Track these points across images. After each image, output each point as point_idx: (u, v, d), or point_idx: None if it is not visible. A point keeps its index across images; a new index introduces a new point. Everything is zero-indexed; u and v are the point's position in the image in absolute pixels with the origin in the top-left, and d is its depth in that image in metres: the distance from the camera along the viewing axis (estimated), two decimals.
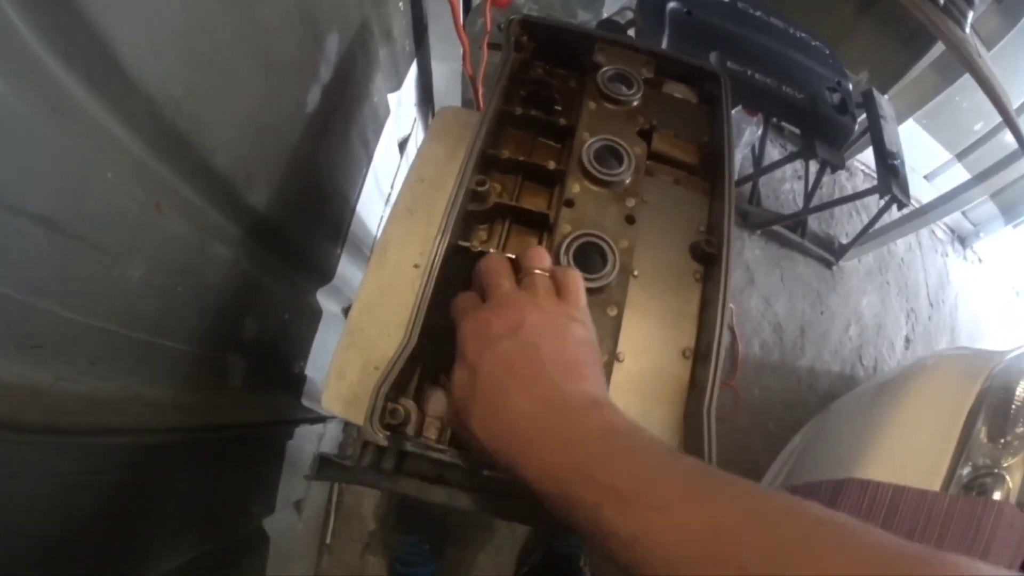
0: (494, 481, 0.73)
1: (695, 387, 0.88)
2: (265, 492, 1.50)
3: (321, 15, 1.15)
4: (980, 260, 4.37)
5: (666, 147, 1.07)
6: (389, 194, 2.00)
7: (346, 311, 1.76)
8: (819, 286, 3.51)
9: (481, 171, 0.93)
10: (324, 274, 1.57)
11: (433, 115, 2.14)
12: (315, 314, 1.56)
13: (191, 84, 0.76)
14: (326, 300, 1.61)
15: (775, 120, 3.55)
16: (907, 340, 3.63)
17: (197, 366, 1.04)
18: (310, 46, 1.14)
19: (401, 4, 1.66)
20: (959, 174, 3.79)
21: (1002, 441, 1.72)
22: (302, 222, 1.34)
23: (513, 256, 0.80)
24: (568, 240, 0.89)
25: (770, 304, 3.32)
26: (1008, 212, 4.01)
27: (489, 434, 0.62)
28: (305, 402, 1.56)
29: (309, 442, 1.70)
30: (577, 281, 0.74)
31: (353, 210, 1.65)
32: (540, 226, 0.96)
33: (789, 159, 3.08)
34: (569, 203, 0.93)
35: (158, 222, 0.80)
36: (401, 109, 1.89)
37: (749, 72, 2.35)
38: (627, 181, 0.97)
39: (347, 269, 1.67)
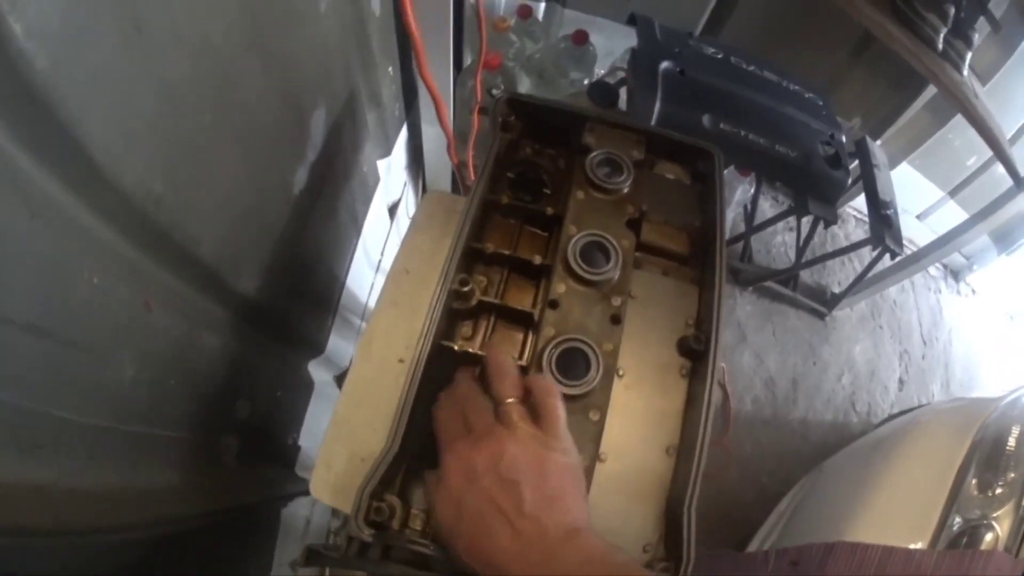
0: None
1: (676, 484, 0.88)
2: (261, 558, 1.49)
3: (306, 88, 1.15)
4: (974, 292, 4.35)
5: (655, 237, 1.05)
6: (379, 261, 1.99)
7: (338, 379, 1.76)
8: (811, 338, 3.47)
9: (464, 268, 0.92)
10: (315, 346, 1.57)
11: (424, 179, 2.15)
12: (307, 386, 1.55)
13: (171, 176, 0.76)
14: (318, 370, 1.60)
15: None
16: (900, 382, 3.59)
17: (192, 451, 1.04)
18: (295, 122, 1.14)
19: (391, 69, 1.66)
20: (952, 211, 3.80)
21: (991, 492, 1.74)
22: (292, 300, 1.34)
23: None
24: (551, 346, 0.88)
25: (762, 360, 3.28)
26: (1000, 242, 3.97)
27: (473, 561, 0.65)
28: (299, 472, 1.54)
29: (303, 507, 1.67)
30: (554, 407, 0.74)
31: (343, 282, 1.66)
32: (525, 323, 0.95)
33: (782, 216, 3.07)
34: (553, 304, 0.92)
35: (146, 320, 0.81)
36: (391, 175, 1.89)
37: (743, 133, 2.31)
38: (614, 278, 0.95)
39: (338, 339, 1.66)
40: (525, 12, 2.40)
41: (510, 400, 0.74)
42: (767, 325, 3.38)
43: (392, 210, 2.04)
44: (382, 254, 2.01)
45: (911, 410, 2.96)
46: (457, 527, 0.68)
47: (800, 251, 3.21)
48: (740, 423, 3.00)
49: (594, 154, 1.07)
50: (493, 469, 0.68)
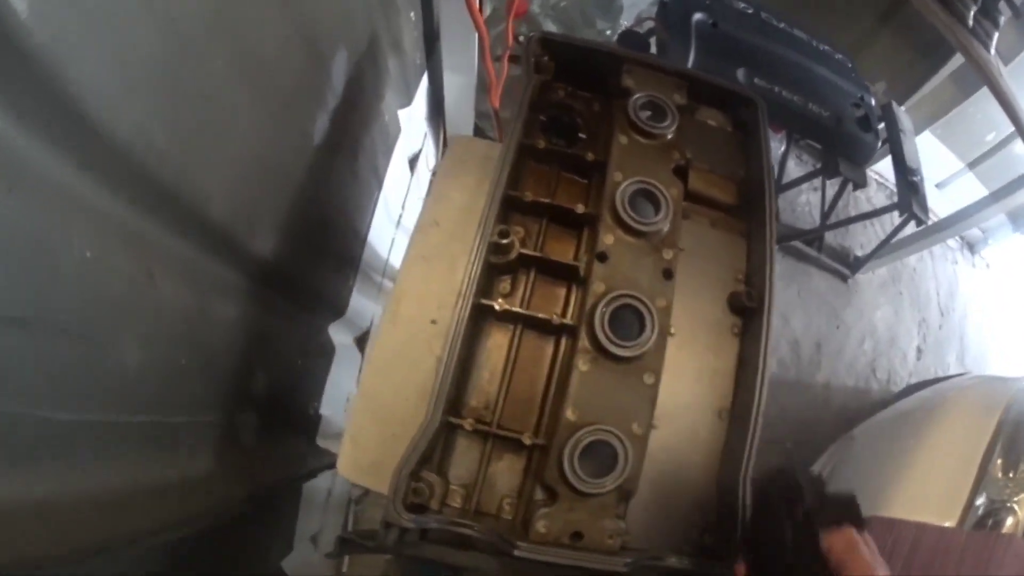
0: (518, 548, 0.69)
1: (730, 452, 0.83)
2: (283, 535, 1.43)
3: (324, 33, 1.06)
4: (988, 266, 4.35)
5: (703, 186, 0.97)
6: (400, 215, 1.89)
7: (359, 341, 1.67)
8: (835, 300, 3.44)
9: (502, 219, 0.84)
10: (337, 308, 1.48)
11: (444, 130, 2.05)
12: (328, 351, 1.47)
13: (175, 127, 0.66)
14: (339, 333, 1.51)
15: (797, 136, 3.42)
16: (919, 351, 3.58)
17: (208, 435, 0.97)
18: (314, 69, 1.05)
19: (412, 14, 1.58)
20: (971, 183, 3.81)
21: (1012, 475, 1.75)
22: (312, 260, 1.26)
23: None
24: (603, 303, 0.79)
25: (787, 321, 3.24)
26: (1017, 220, 3.97)
27: None
28: (320, 442, 1.46)
29: (324, 480, 1.59)
30: None
31: (365, 238, 1.57)
32: (569, 277, 0.87)
33: (810, 176, 2.99)
34: (602, 257, 0.84)
35: (151, 294, 0.71)
36: (412, 124, 1.80)
37: (776, 89, 2.28)
38: (665, 230, 0.87)
39: (360, 299, 1.58)
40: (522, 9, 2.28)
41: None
42: (792, 285, 3.34)
43: (413, 162, 1.96)
44: (403, 208, 1.91)
45: (933, 382, 2.95)
46: None
47: (827, 212, 3.16)
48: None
49: (637, 96, 0.97)
50: None
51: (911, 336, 3.57)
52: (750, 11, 2.41)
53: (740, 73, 2.19)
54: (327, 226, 1.32)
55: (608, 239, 0.84)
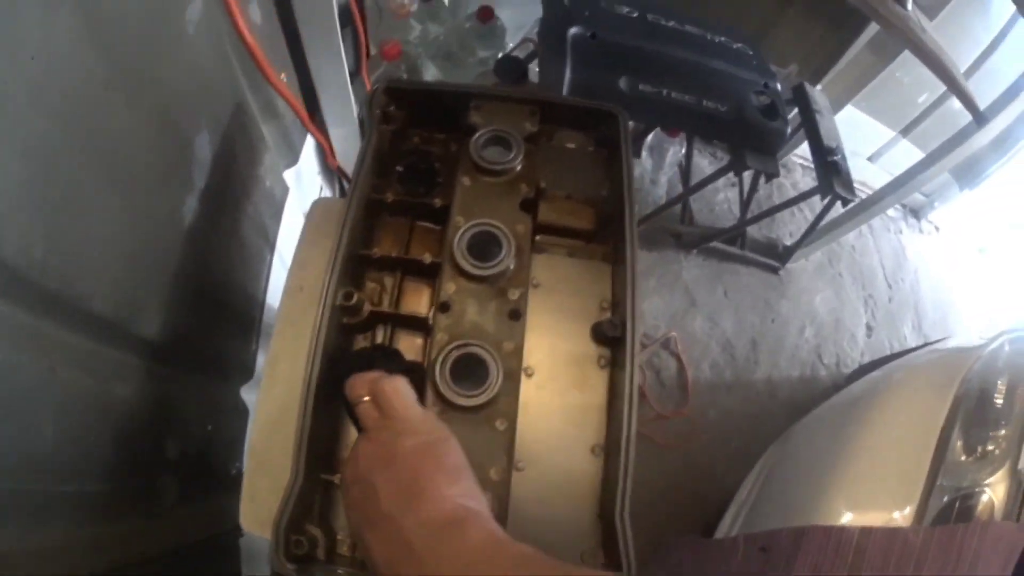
0: None
1: (607, 486, 0.88)
2: None
3: (183, 115, 1.17)
4: (937, 229, 4.40)
5: (555, 216, 1.06)
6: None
7: None
8: (767, 294, 3.50)
9: (352, 279, 0.95)
10: (244, 371, 1.60)
11: (341, 182, 2.17)
12: (242, 413, 1.59)
13: (50, 238, 0.79)
14: (251, 394, 1.63)
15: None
16: (868, 328, 3.63)
17: (129, 500, 1.09)
18: (176, 152, 1.15)
19: (284, 76, 1.67)
20: (906, 149, 3.80)
21: (980, 454, 1.68)
22: (206, 330, 1.38)
23: None
24: (444, 354, 0.89)
25: (716, 323, 3.31)
26: (962, 177, 3.99)
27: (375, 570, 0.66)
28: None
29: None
30: (385, 391, 0.74)
31: (263, 301, 1.70)
32: (423, 328, 0.97)
33: (720, 174, 2.96)
34: (444, 307, 0.93)
35: (55, 384, 0.85)
36: (302, 182, 1.93)
37: (665, 92, 2.31)
38: (509, 268, 0.96)
39: (263, 360, 1.68)
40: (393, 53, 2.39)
41: (361, 402, 0.75)
42: (717, 286, 3.40)
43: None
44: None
45: (884, 360, 2.99)
46: (359, 543, 0.71)
47: (744, 207, 3.26)
48: (701, 390, 3.05)
49: (479, 133, 1.07)
50: (356, 478, 0.69)
51: (858, 315, 3.63)
52: (634, 15, 2.45)
53: (622, 82, 2.22)
54: (218, 296, 1.45)
55: (450, 288, 0.94)
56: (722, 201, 3.69)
